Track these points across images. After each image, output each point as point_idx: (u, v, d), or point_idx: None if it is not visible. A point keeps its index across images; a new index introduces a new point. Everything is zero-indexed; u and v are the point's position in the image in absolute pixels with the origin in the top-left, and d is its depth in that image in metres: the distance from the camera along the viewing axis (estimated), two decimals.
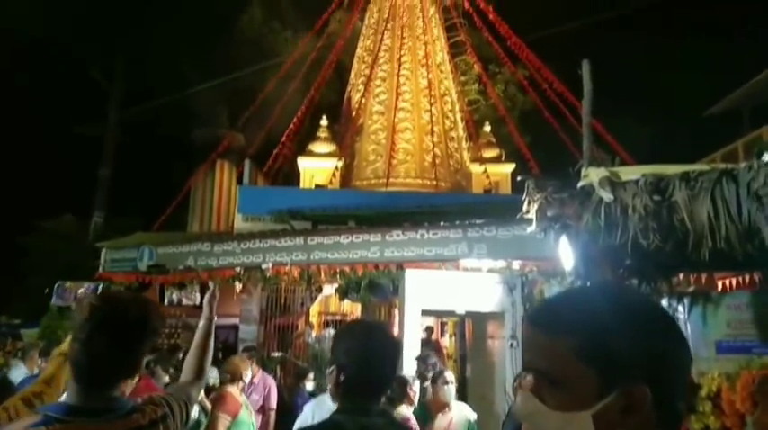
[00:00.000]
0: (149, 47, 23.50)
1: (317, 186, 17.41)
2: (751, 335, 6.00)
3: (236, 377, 5.00)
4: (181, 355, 8.07)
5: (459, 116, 19.96)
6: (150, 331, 1.63)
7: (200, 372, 2.13)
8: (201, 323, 2.26)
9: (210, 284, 2.54)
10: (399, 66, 18.96)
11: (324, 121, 18.85)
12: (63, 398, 1.63)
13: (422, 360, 6.28)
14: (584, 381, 0.79)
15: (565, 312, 0.86)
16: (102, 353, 1.51)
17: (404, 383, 4.50)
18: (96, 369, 1.52)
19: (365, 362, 1.63)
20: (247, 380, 5.32)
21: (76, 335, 1.53)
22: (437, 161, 17.90)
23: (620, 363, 0.79)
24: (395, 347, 1.75)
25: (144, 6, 24.03)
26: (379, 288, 9.90)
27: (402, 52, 19.25)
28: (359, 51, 20.67)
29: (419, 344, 11.55)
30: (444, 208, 11.17)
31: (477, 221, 9.07)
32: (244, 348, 6.93)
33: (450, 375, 4.78)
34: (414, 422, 4.24)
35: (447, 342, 14.21)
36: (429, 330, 11.97)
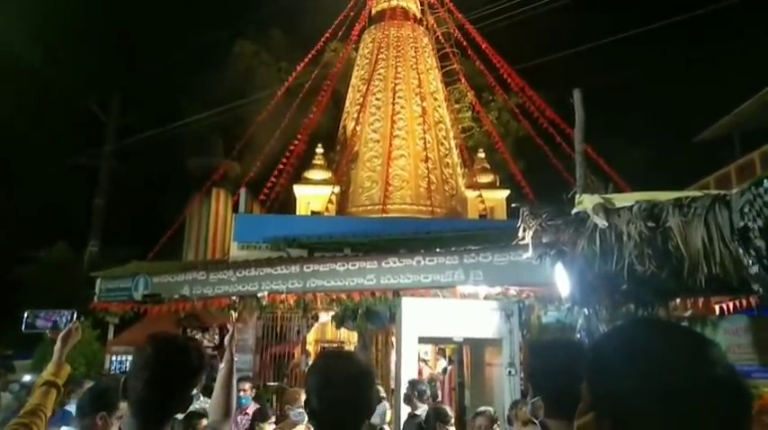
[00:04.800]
0: (145, 79, 23.77)
1: (312, 213, 17.42)
2: (750, 360, 5.97)
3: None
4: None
5: (453, 143, 20.12)
6: (203, 371, 1.79)
7: (227, 412, 2.27)
8: (224, 364, 2.37)
9: (229, 326, 2.65)
10: (394, 94, 19.18)
11: (319, 149, 18.96)
12: None
13: (411, 385, 6.21)
14: (585, 399, 0.93)
15: (597, 339, 1.04)
16: (165, 391, 1.65)
17: (440, 416, 4.39)
18: (158, 406, 1.65)
19: (329, 396, 1.58)
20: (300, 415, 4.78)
21: (138, 373, 1.65)
22: (432, 187, 17.98)
23: (605, 397, 0.89)
24: (362, 378, 1.66)
25: (140, 40, 24.37)
26: (375, 315, 9.83)
27: (396, 81, 19.49)
28: (354, 80, 20.91)
29: (441, 372, 11.50)
30: (440, 234, 11.19)
31: (473, 247, 9.07)
32: (239, 378, 6.87)
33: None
34: None
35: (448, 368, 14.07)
36: (450, 361, 11.84)
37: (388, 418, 7.65)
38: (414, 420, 5.60)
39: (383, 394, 6.18)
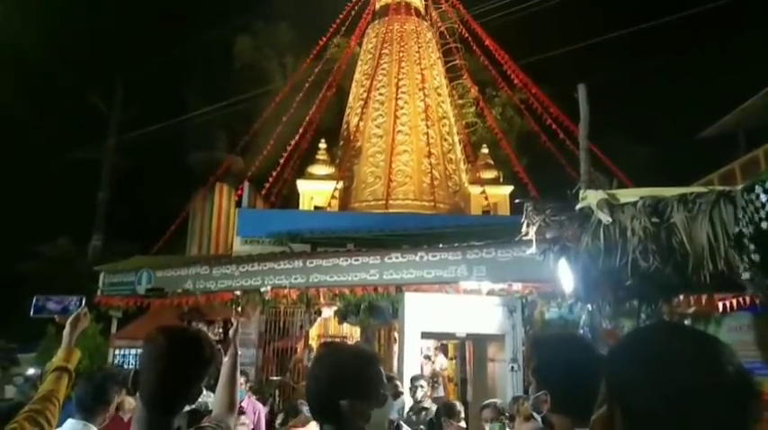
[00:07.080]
0: (149, 72, 23.79)
1: (316, 208, 17.41)
2: (754, 357, 5.96)
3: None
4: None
5: (457, 138, 20.07)
6: (214, 362, 1.82)
7: (232, 405, 2.27)
8: (228, 358, 2.37)
9: (233, 320, 2.64)
10: (397, 89, 19.13)
11: (323, 144, 18.93)
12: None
13: (412, 381, 6.22)
14: (602, 394, 0.98)
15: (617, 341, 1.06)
16: (178, 382, 1.67)
17: (448, 411, 4.38)
18: (171, 397, 1.68)
19: (324, 388, 1.56)
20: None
21: (151, 365, 1.66)
22: (435, 183, 17.95)
23: (617, 390, 0.94)
24: (357, 362, 1.62)
25: (143, 33, 24.36)
26: (378, 310, 9.85)
27: (400, 76, 19.44)
28: (357, 75, 20.87)
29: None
30: (443, 230, 11.17)
31: (477, 243, 9.06)
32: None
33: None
34: None
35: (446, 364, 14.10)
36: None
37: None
38: (420, 413, 5.60)
39: (401, 389, 6.20)
